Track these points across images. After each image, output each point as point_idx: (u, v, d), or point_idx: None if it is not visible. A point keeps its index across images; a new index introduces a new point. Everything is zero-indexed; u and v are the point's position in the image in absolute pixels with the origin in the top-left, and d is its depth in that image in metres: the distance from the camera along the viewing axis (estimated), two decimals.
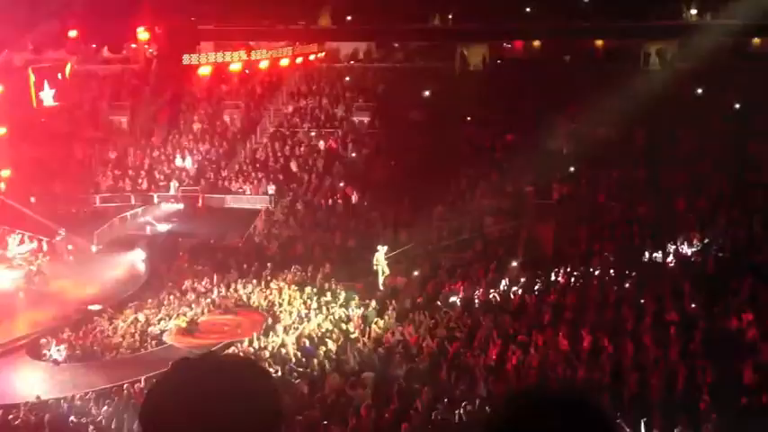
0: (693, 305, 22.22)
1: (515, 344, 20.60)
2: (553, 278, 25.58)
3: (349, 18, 43.51)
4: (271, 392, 1.69)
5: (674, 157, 32.03)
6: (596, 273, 25.51)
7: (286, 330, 23.41)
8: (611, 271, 25.39)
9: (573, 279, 25.33)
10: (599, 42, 41.33)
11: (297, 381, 19.08)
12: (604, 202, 30.06)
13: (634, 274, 24.62)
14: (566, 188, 31.27)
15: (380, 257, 27.14)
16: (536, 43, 42.84)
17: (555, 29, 38.89)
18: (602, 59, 40.30)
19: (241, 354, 20.12)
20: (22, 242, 30.34)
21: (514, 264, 26.98)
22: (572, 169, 32.39)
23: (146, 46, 41.49)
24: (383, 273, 26.95)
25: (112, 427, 17.28)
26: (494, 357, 19.90)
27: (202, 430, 1.55)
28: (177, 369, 1.68)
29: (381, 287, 26.62)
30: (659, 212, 28.93)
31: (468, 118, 36.59)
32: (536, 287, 25.11)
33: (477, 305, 24.00)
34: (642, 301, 23.15)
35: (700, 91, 35.73)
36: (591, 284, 24.80)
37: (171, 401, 1.59)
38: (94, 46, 34.01)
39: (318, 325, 23.58)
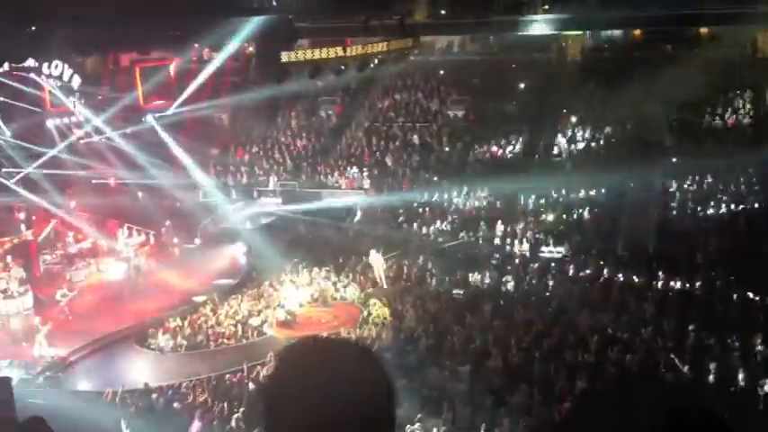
0: None
1: (614, 340, 20.22)
2: (654, 274, 24.91)
3: (443, 12, 43.35)
4: (385, 373, 1.74)
5: None
6: (701, 269, 24.70)
7: (381, 323, 23.64)
8: (718, 267, 24.54)
9: (675, 275, 24.60)
10: (702, 29, 39.79)
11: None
12: (709, 196, 29.00)
13: (742, 269, 23.73)
14: (668, 181, 30.35)
15: (375, 260, 27.45)
16: (636, 32, 41.62)
17: (655, 17, 37.67)
18: (705, 47, 38.77)
19: None
20: (130, 235, 31.61)
21: (612, 258, 26.42)
22: (674, 161, 31.40)
23: (245, 44, 42.41)
24: (381, 275, 27.23)
25: (216, 413, 17.82)
26: (592, 354, 19.57)
27: (325, 410, 1.61)
28: (296, 350, 1.75)
29: (385, 286, 26.97)
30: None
31: (564, 110, 35.92)
32: (635, 282, 24.51)
33: (573, 300, 23.62)
34: (751, 296, 22.34)
35: None
36: (694, 281, 24.04)
37: (294, 382, 1.66)
38: (197, 45, 34.97)
39: (413, 317, 23.69)
